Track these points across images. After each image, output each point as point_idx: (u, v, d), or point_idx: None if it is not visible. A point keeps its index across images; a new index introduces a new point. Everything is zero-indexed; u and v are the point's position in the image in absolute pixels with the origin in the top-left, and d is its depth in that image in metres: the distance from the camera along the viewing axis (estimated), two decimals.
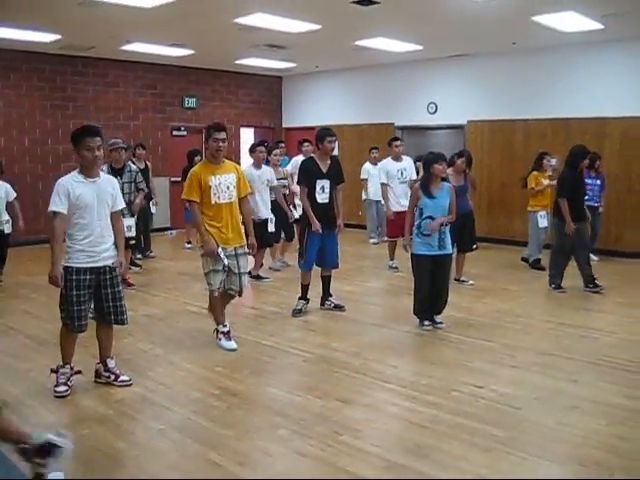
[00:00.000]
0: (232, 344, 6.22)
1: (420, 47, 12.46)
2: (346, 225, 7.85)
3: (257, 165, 9.19)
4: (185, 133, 15.30)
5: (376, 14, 9.62)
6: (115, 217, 5.16)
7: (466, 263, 9.16)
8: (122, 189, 7.40)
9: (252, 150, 9.37)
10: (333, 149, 7.34)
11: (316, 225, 7.13)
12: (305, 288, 7.55)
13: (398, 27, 10.85)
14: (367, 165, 12.82)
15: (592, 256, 10.91)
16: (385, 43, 12.08)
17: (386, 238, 10.34)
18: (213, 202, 6.01)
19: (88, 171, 4.94)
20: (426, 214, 6.69)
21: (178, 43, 12.34)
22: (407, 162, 10.23)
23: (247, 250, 6.27)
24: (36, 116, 13.21)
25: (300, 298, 7.57)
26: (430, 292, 6.79)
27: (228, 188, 6.09)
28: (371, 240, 13.15)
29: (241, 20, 10.12)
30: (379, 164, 10.72)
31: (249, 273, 8.44)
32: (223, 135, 6.05)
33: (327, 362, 5.83)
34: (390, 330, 6.91)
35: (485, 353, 6.11)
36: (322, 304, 7.72)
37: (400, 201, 9.83)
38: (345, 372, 5.55)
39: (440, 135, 13.99)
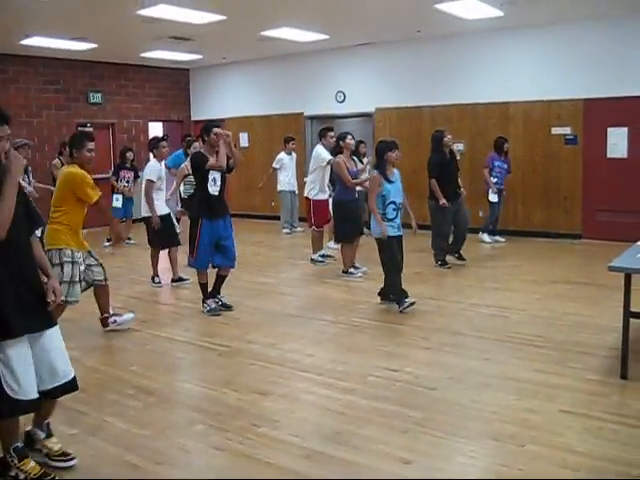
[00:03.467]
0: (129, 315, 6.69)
1: (326, 36, 12.49)
2: (259, 217, 7.82)
3: (159, 160, 8.90)
4: (91, 129, 14.91)
5: (281, 4, 9.62)
6: None
7: (375, 251, 9.25)
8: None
9: (154, 146, 8.93)
10: (218, 142, 7.11)
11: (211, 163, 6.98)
12: (204, 287, 7.33)
13: (303, 16, 10.84)
14: (282, 155, 12.81)
15: (498, 237, 11.34)
16: (291, 33, 12.06)
17: (313, 228, 9.95)
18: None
19: None
20: (390, 199, 7.03)
21: (80, 37, 12.01)
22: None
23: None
24: None
25: (203, 299, 7.34)
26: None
27: None
28: (284, 230, 13.15)
29: (144, 12, 9.93)
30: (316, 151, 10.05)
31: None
32: (93, 145, 6.08)
33: (243, 355, 5.81)
34: (306, 320, 6.94)
35: (399, 337, 6.22)
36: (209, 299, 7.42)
37: (324, 189, 9.82)
38: (261, 363, 5.53)
39: (349, 123, 14.07)
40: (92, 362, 5.79)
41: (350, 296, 7.87)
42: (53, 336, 3.64)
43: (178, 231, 8.97)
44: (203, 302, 7.31)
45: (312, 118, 14.70)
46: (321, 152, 9.59)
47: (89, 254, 6.21)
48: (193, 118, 17.10)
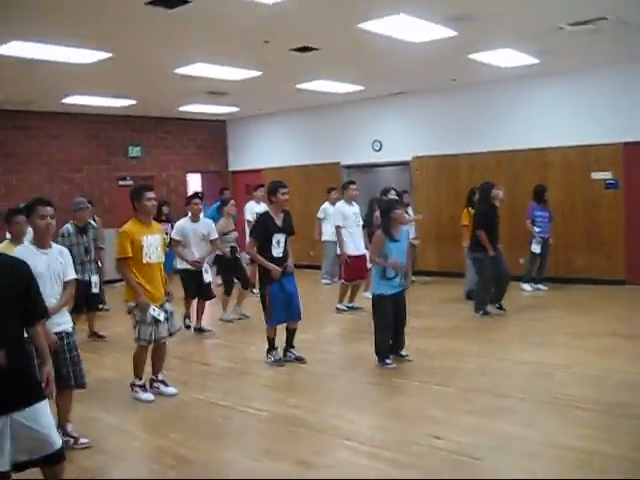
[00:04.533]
0: (149, 396, 6.40)
1: (361, 87, 12.61)
2: (297, 266, 7.79)
3: (193, 218, 9.11)
4: (131, 182, 15.11)
5: (315, 59, 9.72)
6: (67, 287, 5.11)
7: (416, 301, 9.20)
8: (87, 248, 8.32)
9: (187, 203, 9.34)
10: (287, 201, 7.32)
11: (275, 268, 7.08)
12: (272, 340, 7.50)
13: (338, 70, 10.98)
14: (326, 205, 12.73)
15: (540, 285, 11.18)
16: (326, 85, 12.20)
17: (342, 281, 10.29)
18: (145, 261, 6.17)
19: (41, 242, 4.88)
20: (391, 259, 6.93)
21: (119, 94, 12.29)
22: (357, 206, 10.29)
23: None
24: None
25: (269, 350, 7.48)
26: (394, 328, 7.12)
27: (157, 249, 6.28)
28: (323, 281, 13.12)
29: (181, 70, 10.15)
30: (335, 206, 10.73)
31: (188, 327, 9.07)
32: (153, 194, 6.32)
33: (284, 420, 5.74)
34: (347, 381, 6.86)
35: (441, 399, 6.08)
36: (283, 355, 7.57)
37: (357, 244, 9.89)
38: (302, 430, 5.46)
39: (386, 172, 14.11)
40: (131, 428, 5.78)
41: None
42: (39, 412, 3.56)
43: (208, 281, 9.14)
44: (268, 353, 7.47)
45: (349, 167, 14.74)
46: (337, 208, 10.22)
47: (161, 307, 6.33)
48: (231, 169, 17.30)
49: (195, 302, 9.34)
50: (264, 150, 16.35)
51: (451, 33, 8.41)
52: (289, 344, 7.59)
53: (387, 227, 7.01)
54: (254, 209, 11.83)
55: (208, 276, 9.15)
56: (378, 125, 14.22)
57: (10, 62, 8.91)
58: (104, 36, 8.00)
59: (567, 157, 11.83)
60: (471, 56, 10.02)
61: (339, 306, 10.31)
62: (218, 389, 6.75)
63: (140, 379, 6.48)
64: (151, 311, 6.15)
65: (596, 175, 11.56)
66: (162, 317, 6.24)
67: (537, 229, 11.03)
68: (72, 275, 5.18)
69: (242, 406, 6.17)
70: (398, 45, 8.92)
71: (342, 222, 10.02)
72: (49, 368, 3.71)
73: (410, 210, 10.44)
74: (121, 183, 15.08)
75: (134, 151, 15.29)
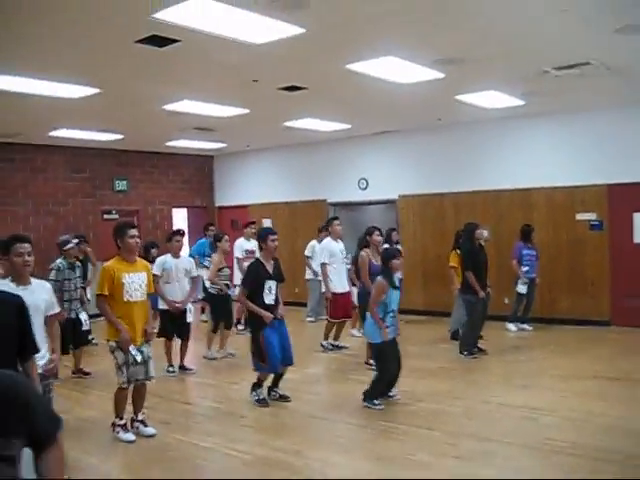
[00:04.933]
0: (130, 436, 6.29)
1: (348, 126, 12.69)
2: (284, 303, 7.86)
3: (174, 255, 9.06)
4: (117, 216, 15.07)
5: (303, 98, 9.77)
6: (50, 321, 5.01)
7: (403, 341, 9.11)
8: (75, 284, 8.51)
9: (168, 239, 9.24)
10: (276, 247, 7.34)
11: (267, 315, 7.03)
12: (261, 382, 7.41)
13: (325, 109, 11.05)
14: (313, 242, 12.59)
15: (525, 325, 11.20)
16: (313, 123, 12.26)
17: (328, 318, 10.19)
18: (125, 299, 6.11)
19: (20, 279, 4.80)
20: (390, 307, 7.07)
21: (107, 129, 12.28)
22: (342, 243, 10.27)
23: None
24: None
25: (255, 386, 7.37)
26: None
27: (140, 286, 6.22)
28: (308, 319, 13.04)
29: (169, 107, 10.16)
30: (321, 244, 10.70)
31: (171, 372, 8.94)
32: (136, 232, 6.31)
33: (267, 464, 5.65)
34: (332, 423, 6.79)
35: (428, 443, 6.02)
36: (267, 393, 7.49)
37: (343, 282, 9.91)
38: (286, 474, 5.38)
39: (372, 210, 14.15)
40: (110, 469, 5.68)
41: None
42: None
43: (189, 320, 9.04)
44: (253, 389, 7.37)
45: (335, 205, 14.77)
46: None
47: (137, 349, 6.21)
48: (217, 204, 17.29)
49: (178, 342, 9.19)
50: (251, 186, 16.37)
51: (438, 75, 8.48)
52: (275, 384, 7.52)
53: (389, 275, 7.06)
54: (244, 246, 11.65)
55: (190, 316, 9.05)
56: (364, 163, 14.29)
57: None
58: (93, 72, 8.00)
59: (552, 198, 11.92)
60: (457, 97, 10.12)
61: (324, 343, 10.24)
62: (201, 430, 6.67)
63: (121, 419, 6.38)
64: (131, 349, 6.09)
65: (581, 216, 11.64)
66: (139, 358, 6.16)
67: (525, 268, 11.05)
68: (57, 308, 5.13)
69: (225, 448, 6.08)
70: (385, 86, 8.98)
71: (329, 259, 9.99)
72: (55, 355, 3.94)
73: (399, 247, 10.44)
74: (107, 217, 15.00)
75: (120, 185, 15.24)
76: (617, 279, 11.38)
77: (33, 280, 5.01)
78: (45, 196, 13.94)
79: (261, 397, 7.34)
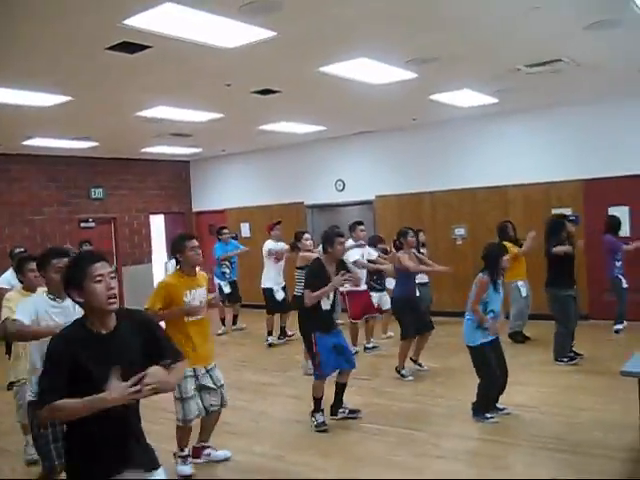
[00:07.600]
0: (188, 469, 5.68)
1: (323, 127, 12.68)
2: (262, 307, 7.87)
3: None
4: (93, 224, 15.00)
5: (277, 101, 9.76)
6: None
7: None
8: None
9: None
10: (344, 252, 6.95)
11: (331, 285, 6.49)
12: (319, 400, 6.66)
13: (299, 111, 11.04)
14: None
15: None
16: (288, 126, 12.25)
17: (351, 320, 9.84)
18: (186, 319, 5.49)
19: (59, 293, 4.50)
20: (490, 307, 6.50)
21: (81, 136, 12.18)
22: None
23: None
24: None
25: (314, 411, 6.67)
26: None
27: (201, 303, 5.58)
28: None
29: (143, 113, 10.10)
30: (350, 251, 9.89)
31: None
32: (196, 242, 5.64)
33: (248, 469, 5.63)
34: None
35: (412, 444, 6.01)
36: (334, 413, 6.87)
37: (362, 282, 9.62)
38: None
39: (350, 211, 14.14)
40: None
41: (359, 397, 7.51)
42: None
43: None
44: (312, 415, 6.68)
45: (313, 207, 14.76)
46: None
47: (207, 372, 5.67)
48: (194, 209, 17.22)
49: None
50: (228, 190, 16.33)
51: (411, 75, 8.50)
52: (340, 400, 6.88)
53: (494, 274, 6.48)
54: (271, 247, 11.20)
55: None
56: (341, 165, 14.30)
57: None
58: (64, 80, 7.92)
59: (528, 194, 11.97)
60: (431, 97, 10.15)
61: (356, 348, 9.64)
62: None
63: (182, 450, 5.77)
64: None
65: (557, 212, 11.67)
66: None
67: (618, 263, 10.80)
68: None
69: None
70: (359, 87, 8.99)
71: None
72: None
73: (425, 250, 10.45)
74: (83, 225, 14.91)
75: (96, 193, 15.12)
76: (593, 273, 11.43)
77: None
78: (20, 205, 13.80)
79: (320, 420, 6.60)
